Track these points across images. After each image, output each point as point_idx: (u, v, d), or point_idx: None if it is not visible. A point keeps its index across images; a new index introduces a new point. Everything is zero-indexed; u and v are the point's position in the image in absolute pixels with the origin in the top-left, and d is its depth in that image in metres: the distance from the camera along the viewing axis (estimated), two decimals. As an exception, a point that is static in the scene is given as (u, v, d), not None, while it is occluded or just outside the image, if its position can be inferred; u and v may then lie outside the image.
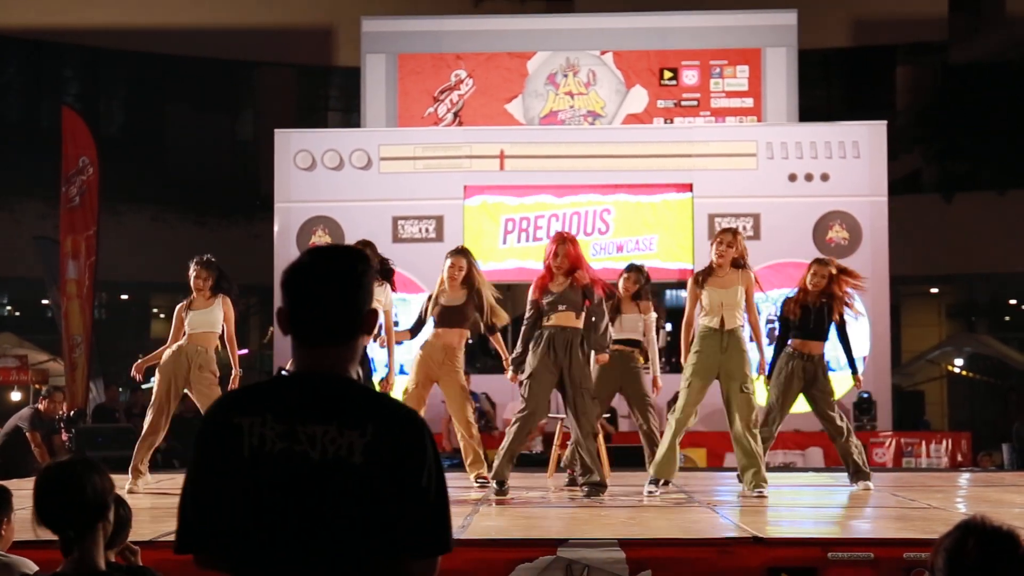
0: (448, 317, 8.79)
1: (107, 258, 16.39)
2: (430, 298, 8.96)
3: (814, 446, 14.24)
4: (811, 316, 8.64)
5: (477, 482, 8.64)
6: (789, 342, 8.73)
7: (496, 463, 8.16)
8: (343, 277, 2.46)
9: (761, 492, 7.97)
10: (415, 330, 9.19)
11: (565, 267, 8.06)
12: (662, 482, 8.23)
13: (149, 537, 5.34)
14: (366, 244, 8.65)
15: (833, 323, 8.71)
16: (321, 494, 2.32)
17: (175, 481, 8.81)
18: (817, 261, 8.88)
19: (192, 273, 8.73)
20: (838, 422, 8.60)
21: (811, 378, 8.65)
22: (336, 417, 2.35)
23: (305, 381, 2.42)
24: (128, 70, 20.57)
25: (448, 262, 8.84)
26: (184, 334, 8.67)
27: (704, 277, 8.38)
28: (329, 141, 15.88)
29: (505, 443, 8.21)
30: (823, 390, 8.66)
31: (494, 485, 8.10)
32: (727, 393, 8.18)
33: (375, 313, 2.49)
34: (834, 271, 8.75)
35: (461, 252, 9.01)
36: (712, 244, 8.43)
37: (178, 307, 8.80)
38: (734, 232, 8.47)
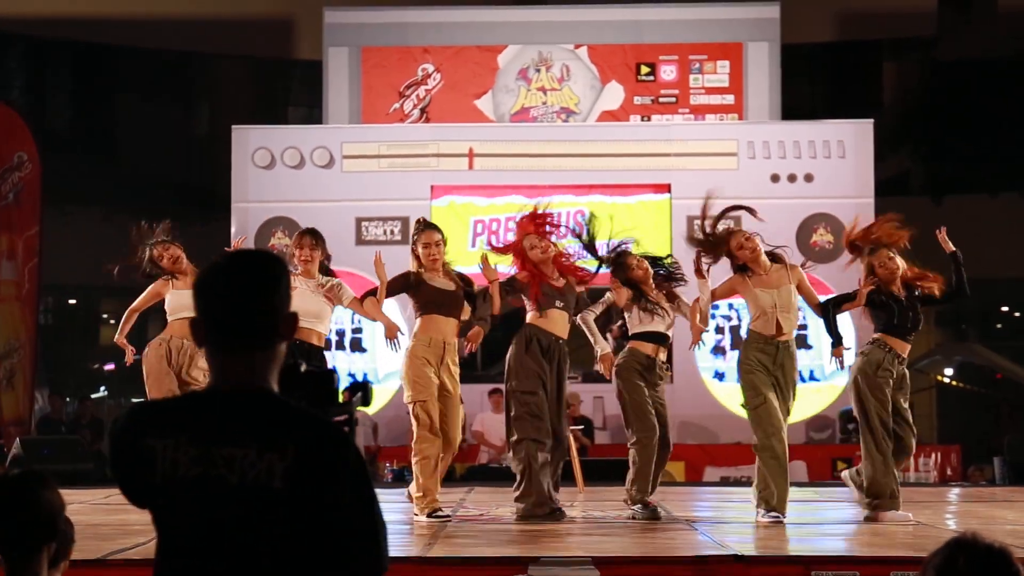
0: (442, 303, 7.50)
1: (53, 260, 15.94)
2: (407, 276, 7.63)
3: (796, 460, 13.52)
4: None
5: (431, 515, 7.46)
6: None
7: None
8: (260, 279, 2.41)
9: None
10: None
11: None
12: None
13: (95, 556, 5.28)
14: (311, 232, 8.09)
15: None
16: (242, 521, 2.24)
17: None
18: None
19: None
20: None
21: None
22: (255, 439, 2.26)
23: (223, 398, 2.32)
24: (76, 62, 20.18)
25: (423, 237, 7.58)
26: None
27: (747, 278, 7.59)
28: (289, 138, 15.52)
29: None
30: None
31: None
32: None
33: (294, 316, 2.43)
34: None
35: (434, 225, 7.90)
36: (730, 246, 7.68)
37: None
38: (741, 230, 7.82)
